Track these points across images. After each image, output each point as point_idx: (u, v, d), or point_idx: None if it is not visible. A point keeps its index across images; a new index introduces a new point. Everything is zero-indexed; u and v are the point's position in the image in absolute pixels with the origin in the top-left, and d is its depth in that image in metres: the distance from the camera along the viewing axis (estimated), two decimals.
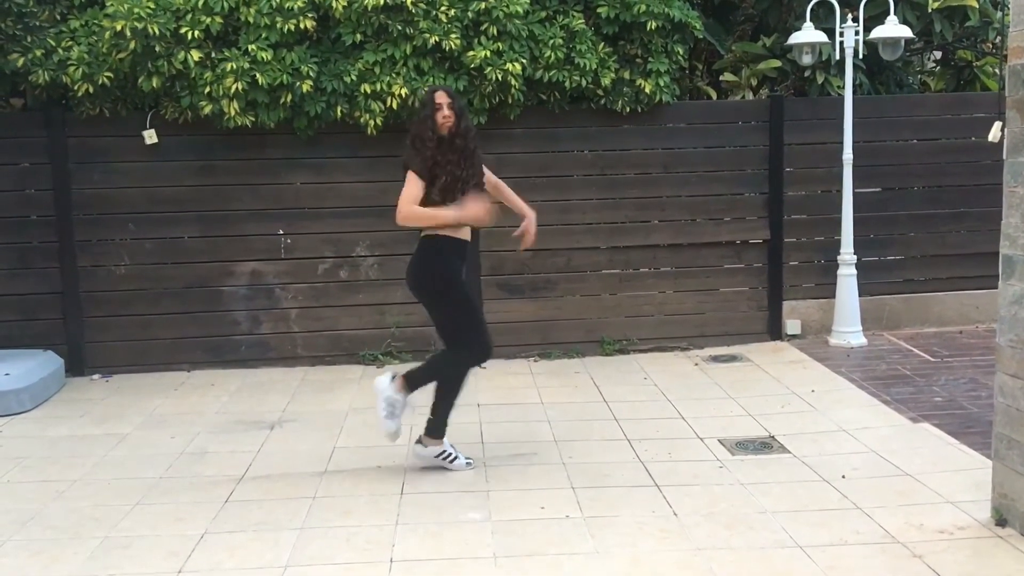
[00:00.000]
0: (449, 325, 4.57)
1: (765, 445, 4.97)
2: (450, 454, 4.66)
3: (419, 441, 4.68)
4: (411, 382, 4.61)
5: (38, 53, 6.19)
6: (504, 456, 4.87)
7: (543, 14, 6.57)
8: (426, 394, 4.64)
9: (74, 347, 6.66)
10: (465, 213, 4.43)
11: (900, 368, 6.33)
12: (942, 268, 7.41)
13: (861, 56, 6.95)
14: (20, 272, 6.58)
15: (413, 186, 4.39)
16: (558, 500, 4.27)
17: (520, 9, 6.36)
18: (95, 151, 6.61)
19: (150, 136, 6.55)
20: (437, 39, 6.29)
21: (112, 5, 6.06)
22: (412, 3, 6.20)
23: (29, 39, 6.20)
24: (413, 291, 4.61)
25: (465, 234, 4.55)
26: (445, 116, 4.42)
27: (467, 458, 4.72)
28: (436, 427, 4.63)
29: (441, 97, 4.45)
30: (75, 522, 4.16)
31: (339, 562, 3.71)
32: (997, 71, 8.32)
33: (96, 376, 6.67)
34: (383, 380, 4.62)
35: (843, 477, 4.45)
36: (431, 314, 4.65)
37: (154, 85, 6.23)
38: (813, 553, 3.68)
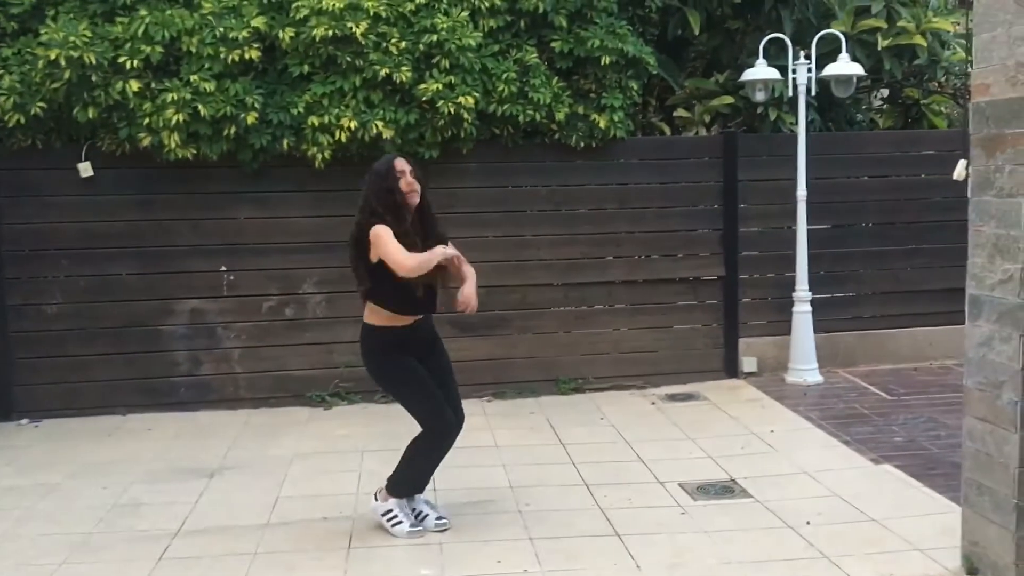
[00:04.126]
0: (408, 408, 4.29)
1: (727, 489, 4.83)
2: (395, 516, 4.31)
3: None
4: (393, 485, 4.33)
5: None
6: (458, 504, 4.65)
7: (496, 47, 6.46)
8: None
9: (1, 390, 6.32)
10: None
11: (858, 407, 6.25)
12: (895, 305, 7.39)
13: (814, 93, 6.95)
14: None
15: (392, 240, 4.03)
16: (515, 552, 4.07)
17: (473, 42, 6.23)
18: (27, 184, 6.32)
19: (85, 169, 6.29)
20: (388, 71, 6.13)
21: (47, 33, 5.82)
22: (362, 34, 6.04)
23: None
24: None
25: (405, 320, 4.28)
26: (409, 183, 4.13)
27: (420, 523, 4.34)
28: (393, 483, 4.34)
29: (402, 164, 4.15)
30: None
31: None
32: (944, 109, 8.43)
33: (24, 421, 6.32)
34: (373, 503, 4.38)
35: (808, 523, 4.31)
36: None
37: (90, 116, 5.99)
38: None
